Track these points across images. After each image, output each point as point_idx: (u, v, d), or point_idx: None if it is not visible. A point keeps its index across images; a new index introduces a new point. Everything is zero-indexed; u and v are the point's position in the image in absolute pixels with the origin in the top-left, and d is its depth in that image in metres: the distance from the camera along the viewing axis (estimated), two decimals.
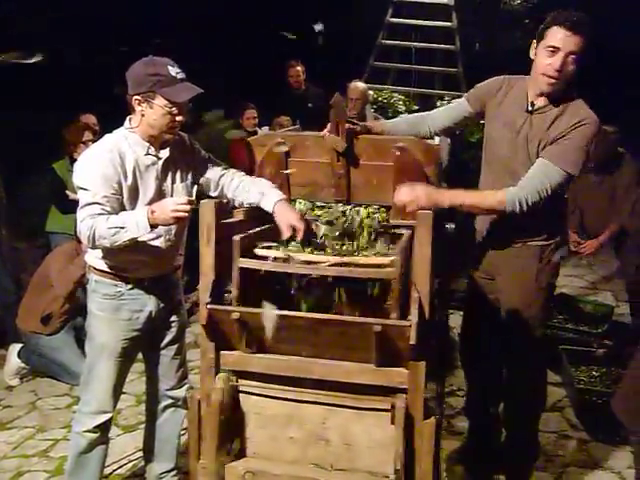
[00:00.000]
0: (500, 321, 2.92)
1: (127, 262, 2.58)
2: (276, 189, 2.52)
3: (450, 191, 2.54)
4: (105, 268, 2.61)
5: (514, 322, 2.84)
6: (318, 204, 2.63)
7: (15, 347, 4.34)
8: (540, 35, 2.58)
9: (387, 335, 1.86)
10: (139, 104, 2.47)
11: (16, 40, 7.68)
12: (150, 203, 2.49)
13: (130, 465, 3.38)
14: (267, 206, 2.46)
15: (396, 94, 7.17)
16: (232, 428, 2.11)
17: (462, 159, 6.42)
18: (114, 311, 2.64)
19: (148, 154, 2.54)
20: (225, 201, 2.64)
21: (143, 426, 3.09)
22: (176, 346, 2.85)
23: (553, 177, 2.55)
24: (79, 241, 3.70)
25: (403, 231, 2.32)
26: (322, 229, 2.51)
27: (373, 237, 2.53)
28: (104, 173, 2.42)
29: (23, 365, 4.32)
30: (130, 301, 2.65)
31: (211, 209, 2.05)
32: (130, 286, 2.64)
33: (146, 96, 2.44)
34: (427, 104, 7.08)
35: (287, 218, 2.38)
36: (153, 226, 2.35)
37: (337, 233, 2.51)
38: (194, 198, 2.55)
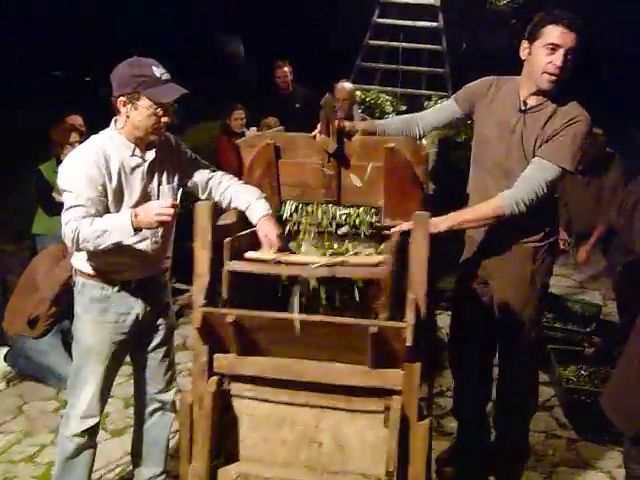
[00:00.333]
0: (493, 323, 2.93)
1: (113, 264, 2.56)
2: (263, 200, 2.52)
3: (448, 215, 2.56)
4: (91, 271, 2.59)
5: (509, 324, 2.85)
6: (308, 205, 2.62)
7: (1, 350, 4.30)
8: (533, 35, 2.59)
9: (383, 337, 1.85)
10: (124, 105, 2.45)
11: None
12: (135, 205, 2.48)
13: (118, 470, 3.35)
14: (252, 218, 2.47)
15: (383, 94, 7.18)
16: (224, 431, 2.09)
17: (450, 159, 6.44)
18: (101, 314, 2.62)
19: (134, 155, 2.52)
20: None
21: (131, 430, 3.06)
22: (164, 349, 2.83)
23: (549, 174, 2.57)
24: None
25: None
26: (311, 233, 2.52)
27: (363, 238, 2.53)
28: (88, 175, 2.40)
29: (9, 368, 4.28)
30: (117, 304, 2.63)
31: (207, 211, 2.03)
32: (116, 289, 2.62)
33: (131, 97, 2.42)
34: (414, 104, 7.11)
35: (267, 234, 2.39)
36: (137, 229, 2.34)
37: (326, 234, 2.51)
38: (178, 202, 2.54)
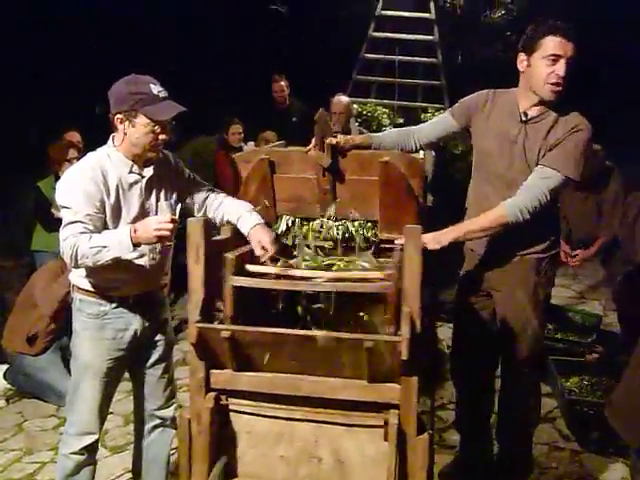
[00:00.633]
0: (495, 335, 2.92)
1: (111, 281, 2.56)
2: (255, 213, 2.54)
3: (451, 228, 2.56)
4: (89, 287, 2.59)
5: (511, 336, 2.84)
6: (304, 219, 2.63)
7: (0, 368, 4.29)
8: (531, 46, 2.60)
9: (378, 351, 1.84)
10: (121, 122, 2.46)
11: None
12: (133, 221, 2.48)
13: None
14: (243, 229, 2.49)
15: (380, 107, 7.20)
16: (223, 448, 2.08)
17: (447, 171, 6.45)
18: (98, 330, 2.61)
19: (131, 172, 2.52)
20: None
21: (131, 446, 3.04)
22: (163, 365, 2.82)
23: (552, 182, 2.58)
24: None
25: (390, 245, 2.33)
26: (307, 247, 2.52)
27: (360, 251, 2.53)
28: (86, 191, 2.40)
29: (9, 386, 4.27)
30: (114, 320, 2.62)
31: (199, 227, 2.03)
32: (114, 305, 2.61)
33: (128, 115, 2.43)
34: (410, 117, 7.12)
35: (260, 239, 2.41)
36: (136, 245, 2.34)
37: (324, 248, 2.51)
38: (178, 217, 2.54)
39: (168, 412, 2.87)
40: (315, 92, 6.04)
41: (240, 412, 2.09)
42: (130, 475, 3.09)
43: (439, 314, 4.66)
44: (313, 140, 2.50)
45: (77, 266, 2.42)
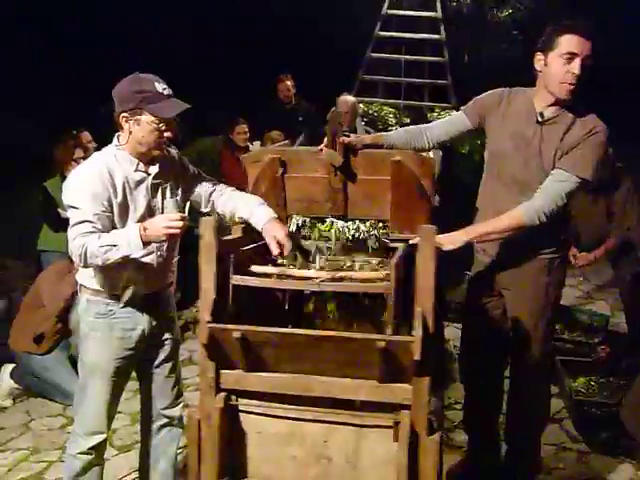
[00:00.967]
0: (506, 335, 2.91)
1: (118, 280, 2.55)
2: (266, 206, 2.53)
3: (465, 229, 2.55)
4: (96, 287, 2.58)
5: (522, 336, 2.83)
6: (315, 219, 2.62)
7: (7, 367, 4.29)
8: (548, 45, 2.57)
9: (391, 351, 1.84)
10: (126, 121, 2.46)
11: None
12: (140, 219, 2.48)
13: None
14: (256, 224, 2.48)
15: (386, 107, 7.20)
16: (232, 448, 2.07)
17: (453, 171, 6.45)
18: (106, 330, 2.61)
19: (137, 170, 2.52)
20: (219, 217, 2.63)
21: (139, 446, 3.03)
22: (170, 364, 2.81)
23: (568, 185, 2.56)
24: (72, 259, 3.67)
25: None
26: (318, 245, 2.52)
27: (370, 251, 2.52)
28: (93, 191, 2.40)
29: (16, 386, 4.26)
30: (122, 319, 2.62)
31: (211, 227, 2.03)
32: (122, 304, 2.61)
33: (133, 113, 2.43)
34: (417, 116, 7.11)
35: (274, 235, 2.40)
36: (146, 243, 2.34)
37: (334, 248, 2.51)
38: (186, 214, 2.54)
39: (175, 411, 2.87)
40: (321, 92, 6.03)
41: (250, 412, 2.09)
42: (137, 474, 3.08)
43: (446, 314, 4.65)
44: (324, 139, 2.49)
45: (86, 266, 2.42)
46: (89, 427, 2.66)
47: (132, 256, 2.37)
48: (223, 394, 2.05)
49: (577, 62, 2.53)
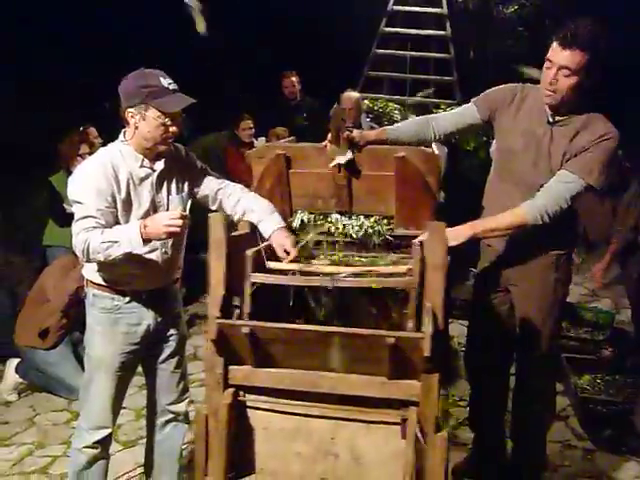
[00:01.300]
0: (512, 332, 2.90)
1: (123, 275, 2.56)
2: (276, 214, 2.54)
3: (469, 224, 2.52)
4: (102, 281, 2.59)
5: (529, 332, 2.82)
6: (320, 215, 2.62)
7: (12, 362, 4.30)
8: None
9: (400, 347, 1.83)
10: (132, 117, 2.45)
11: None
12: (144, 215, 2.49)
13: None
14: (265, 232, 2.50)
15: (392, 103, 7.17)
16: (240, 444, 2.07)
17: (458, 167, 6.42)
18: (111, 325, 2.61)
19: (142, 166, 2.52)
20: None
21: (144, 441, 3.04)
22: (176, 359, 2.81)
23: (574, 187, 2.54)
24: (77, 254, 3.67)
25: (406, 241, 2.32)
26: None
27: (376, 247, 2.52)
28: (97, 186, 2.41)
29: (21, 380, 4.28)
30: (128, 314, 2.62)
31: (221, 223, 2.02)
32: (127, 299, 2.61)
33: (139, 108, 2.43)
34: (422, 112, 7.08)
35: (282, 243, 2.43)
36: (146, 240, 2.33)
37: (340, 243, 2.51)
38: (187, 212, 2.54)
39: (181, 407, 2.87)
40: (325, 88, 6.03)
41: (257, 408, 2.09)
42: (142, 470, 3.09)
43: (451, 311, 4.64)
44: (328, 135, 2.48)
45: (89, 261, 2.43)
46: (94, 421, 2.66)
47: (135, 252, 2.37)
48: (231, 390, 2.05)
49: (551, 71, 2.47)
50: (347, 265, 2.29)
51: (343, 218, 2.61)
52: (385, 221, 2.59)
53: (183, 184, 2.64)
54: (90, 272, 2.61)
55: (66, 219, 4.09)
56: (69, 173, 4.26)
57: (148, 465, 2.99)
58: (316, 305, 2.28)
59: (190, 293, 4.93)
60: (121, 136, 2.54)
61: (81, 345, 2.99)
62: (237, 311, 2.11)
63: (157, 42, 7.56)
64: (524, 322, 2.84)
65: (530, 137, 2.66)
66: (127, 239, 2.32)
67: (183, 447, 2.98)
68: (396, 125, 2.91)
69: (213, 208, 2.69)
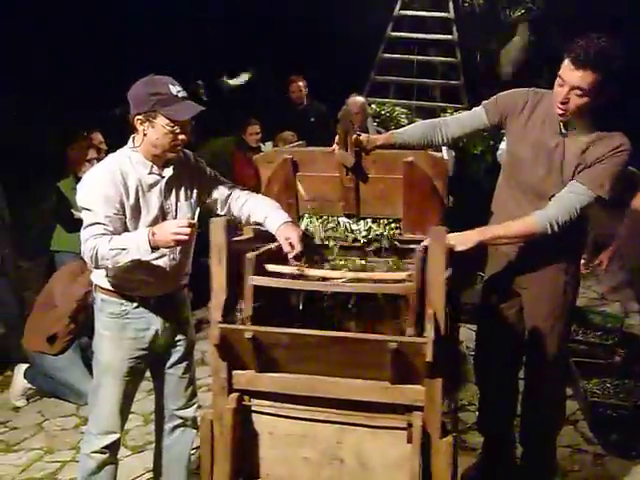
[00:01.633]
0: (521, 336, 2.90)
1: (132, 281, 2.56)
2: (281, 210, 2.53)
3: (478, 229, 2.51)
4: (110, 287, 2.60)
5: (539, 336, 2.81)
6: (327, 218, 2.62)
7: (21, 367, 4.31)
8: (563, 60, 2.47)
9: (403, 352, 1.83)
10: (141, 124, 2.46)
11: None
12: (153, 222, 2.49)
13: None
14: (271, 227, 2.49)
15: (398, 107, 7.18)
16: (245, 449, 2.07)
17: (465, 171, 6.42)
18: (119, 330, 2.62)
19: (151, 173, 2.53)
20: (232, 219, 2.63)
21: (152, 446, 3.04)
22: (184, 364, 2.82)
23: (584, 199, 2.52)
24: (85, 260, 3.69)
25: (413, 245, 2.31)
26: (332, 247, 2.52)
27: (383, 251, 2.52)
28: (106, 193, 2.42)
29: (29, 386, 4.28)
30: (136, 320, 2.63)
31: (222, 228, 2.03)
32: (135, 305, 2.62)
33: (148, 116, 2.43)
34: (429, 117, 7.09)
35: (287, 237, 2.42)
36: (154, 248, 2.34)
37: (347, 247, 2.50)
38: (196, 220, 2.54)
39: (189, 412, 2.87)
40: (332, 93, 6.03)
41: (262, 413, 2.09)
42: (150, 475, 3.09)
43: (459, 316, 4.63)
44: (336, 139, 2.48)
45: (97, 267, 2.44)
46: (103, 426, 2.67)
47: (143, 259, 2.38)
48: (235, 394, 2.05)
49: (564, 90, 2.43)
50: (349, 269, 2.28)
51: (350, 222, 2.61)
52: (393, 225, 2.58)
53: (192, 191, 2.65)
54: (98, 277, 2.62)
55: (74, 225, 4.11)
56: (77, 179, 4.29)
57: (157, 470, 2.98)
58: (320, 310, 2.28)
59: (197, 298, 4.92)
60: (130, 142, 2.55)
61: (89, 350, 2.99)
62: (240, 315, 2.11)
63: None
64: (534, 326, 2.83)
65: (541, 148, 2.62)
66: (135, 246, 2.32)
67: (191, 452, 2.97)
68: (404, 129, 2.89)
69: (222, 213, 2.69)
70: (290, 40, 8.57)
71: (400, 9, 7.90)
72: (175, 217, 2.57)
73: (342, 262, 2.44)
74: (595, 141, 2.54)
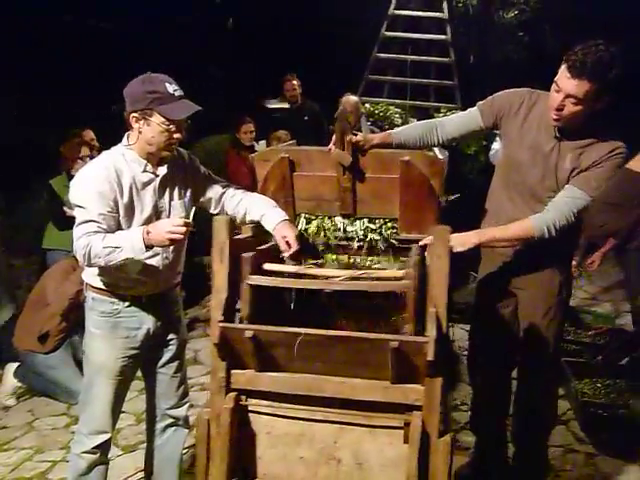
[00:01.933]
0: (515, 336, 2.90)
1: (124, 280, 2.55)
2: (278, 209, 2.53)
3: (476, 231, 2.52)
4: (102, 285, 2.58)
5: (533, 336, 2.82)
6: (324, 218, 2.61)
7: (11, 366, 4.27)
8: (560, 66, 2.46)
9: (404, 351, 1.82)
10: (136, 121, 2.44)
11: None
12: (147, 221, 2.47)
13: None
14: (268, 225, 2.49)
15: (392, 107, 7.19)
16: (242, 448, 2.06)
17: (459, 171, 6.43)
18: (111, 329, 2.60)
19: (145, 171, 2.51)
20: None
21: (143, 446, 3.03)
22: (176, 364, 2.80)
23: (581, 202, 2.53)
24: (77, 258, 3.66)
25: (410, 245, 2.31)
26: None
27: (380, 250, 2.52)
28: (100, 191, 2.39)
29: (19, 384, 4.26)
30: (127, 319, 2.61)
31: (225, 226, 2.02)
32: (127, 304, 2.60)
33: (143, 114, 2.41)
34: (423, 117, 7.10)
35: (284, 235, 2.42)
36: (148, 247, 2.32)
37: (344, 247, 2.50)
38: (191, 220, 2.52)
39: (181, 411, 2.86)
40: (326, 92, 6.03)
41: (260, 413, 2.08)
42: (142, 474, 3.07)
43: (451, 315, 4.64)
44: (333, 138, 2.47)
45: (90, 265, 2.42)
46: (93, 426, 2.65)
47: (136, 258, 2.36)
48: (233, 394, 2.04)
49: (559, 96, 2.42)
50: (347, 268, 2.28)
51: (347, 221, 2.61)
52: (389, 224, 2.58)
53: (186, 189, 2.63)
54: (90, 276, 2.60)
55: (66, 222, 4.09)
56: (70, 176, 4.27)
57: (149, 469, 2.97)
58: (317, 308, 2.27)
59: (190, 296, 4.91)
60: (124, 140, 2.53)
61: (81, 349, 2.97)
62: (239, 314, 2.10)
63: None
64: (529, 326, 2.84)
65: (537, 151, 2.62)
66: (129, 245, 2.31)
67: (183, 452, 2.96)
68: (401, 129, 2.88)
69: (215, 212, 2.68)
70: (285, 39, 8.58)
71: (394, 9, 7.90)
72: (169, 216, 2.55)
73: (339, 261, 2.43)
74: (590, 144, 2.54)
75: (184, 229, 2.28)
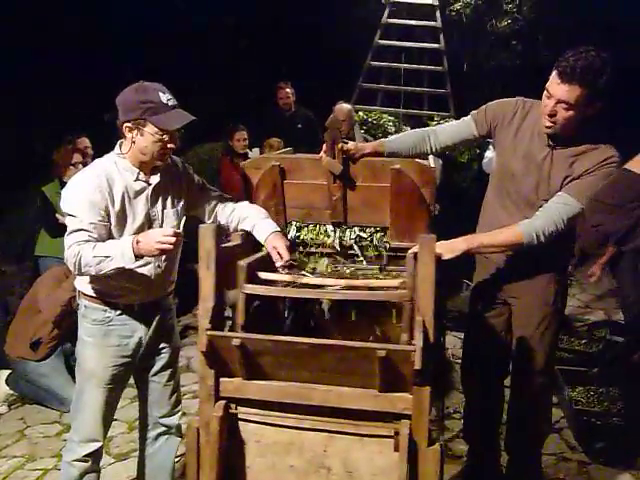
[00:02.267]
0: (509, 345, 2.91)
1: (116, 288, 2.54)
2: (270, 219, 2.53)
3: (465, 238, 2.50)
4: (94, 293, 2.57)
5: (529, 346, 2.81)
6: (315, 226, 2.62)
7: (3, 373, 4.27)
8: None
9: (391, 360, 1.82)
10: (129, 131, 2.43)
11: None
12: (139, 229, 2.47)
13: None
14: (260, 236, 2.49)
15: (386, 115, 7.21)
16: (231, 457, 2.05)
17: (452, 179, 6.45)
18: (103, 337, 2.59)
19: (138, 180, 2.50)
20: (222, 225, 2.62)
21: (136, 454, 3.02)
22: (168, 372, 2.79)
23: (571, 210, 2.52)
24: None
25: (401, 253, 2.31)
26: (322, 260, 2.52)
27: (371, 259, 2.52)
28: (91, 199, 2.39)
29: (11, 392, 4.24)
30: (119, 327, 2.60)
31: (211, 234, 2.01)
32: (119, 312, 2.59)
33: (136, 123, 2.40)
34: (416, 125, 7.13)
35: (276, 246, 2.43)
36: (138, 256, 2.32)
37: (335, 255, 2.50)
38: (181, 230, 2.52)
39: (173, 420, 2.85)
40: (319, 100, 6.04)
41: (249, 421, 2.07)
42: None
43: (444, 323, 4.64)
44: (324, 146, 2.48)
45: (81, 274, 2.41)
46: (85, 434, 2.64)
47: (128, 267, 2.35)
48: (222, 402, 2.03)
49: (550, 102, 2.43)
50: (340, 277, 2.28)
51: (338, 230, 2.61)
52: (380, 233, 2.59)
53: (179, 198, 2.62)
54: (82, 283, 2.60)
55: (58, 229, 4.08)
56: (62, 183, 4.26)
57: (140, 478, 2.95)
58: (310, 318, 2.28)
59: (183, 304, 4.90)
60: (117, 148, 2.52)
61: (73, 357, 2.96)
62: (229, 323, 2.10)
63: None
64: (524, 334, 2.83)
65: (531, 160, 2.62)
66: (119, 254, 2.30)
67: (175, 460, 2.95)
68: (393, 137, 2.89)
69: (209, 222, 2.67)
70: (278, 47, 8.59)
71: (388, 17, 7.94)
72: (161, 225, 2.54)
73: (330, 270, 2.43)
74: (583, 152, 2.54)
75: (174, 239, 2.27)
